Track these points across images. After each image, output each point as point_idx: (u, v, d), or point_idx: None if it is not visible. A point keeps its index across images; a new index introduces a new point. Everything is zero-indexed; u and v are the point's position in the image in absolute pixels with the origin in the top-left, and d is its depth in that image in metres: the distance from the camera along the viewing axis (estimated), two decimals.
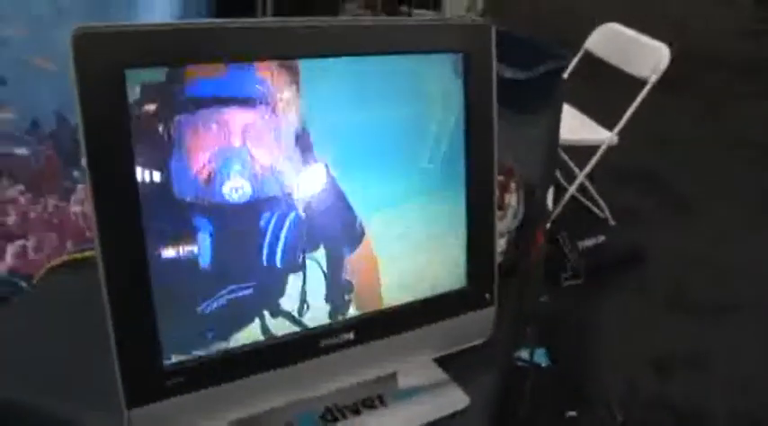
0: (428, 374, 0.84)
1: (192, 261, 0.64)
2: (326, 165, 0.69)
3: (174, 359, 0.64)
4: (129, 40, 0.59)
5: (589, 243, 2.49)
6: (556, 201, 2.68)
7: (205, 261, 0.64)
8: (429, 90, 0.75)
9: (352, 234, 0.72)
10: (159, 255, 0.62)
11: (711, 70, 4.54)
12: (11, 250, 1.17)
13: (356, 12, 4.47)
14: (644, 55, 2.46)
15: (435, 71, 0.75)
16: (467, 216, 0.80)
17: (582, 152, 2.67)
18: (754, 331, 2.22)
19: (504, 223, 1.05)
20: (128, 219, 0.60)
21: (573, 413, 1.87)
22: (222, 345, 0.67)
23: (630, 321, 2.26)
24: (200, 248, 0.64)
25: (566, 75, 2.71)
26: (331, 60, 0.69)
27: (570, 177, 2.75)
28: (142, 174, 0.60)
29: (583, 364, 2.06)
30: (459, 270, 0.81)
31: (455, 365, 0.85)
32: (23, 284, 1.06)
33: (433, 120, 0.76)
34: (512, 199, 1.10)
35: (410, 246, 0.77)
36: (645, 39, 2.50)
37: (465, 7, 5.52)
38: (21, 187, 1.16)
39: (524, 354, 1.94)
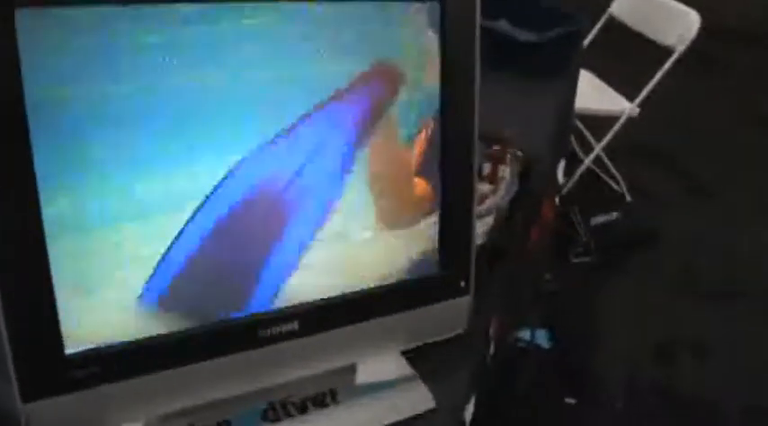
0: (391, 368, 0.74)
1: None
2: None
3: (79, 346, 0.55)
4: None
5: (601, 219, 2.38)
6: (570, 173, 2.56)
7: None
8: (400, 42, 0.64)
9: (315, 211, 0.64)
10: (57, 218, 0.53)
11: (747, 47, 4.29)
12: None
13: None
14: (671, 21, 2.29)
15: (409, 20, 0.64)
16: (441, 194, 0.70)
17: (601, 124, 2.53)
18: (759, 319, 2.15)
19: (495, 198, 0.95)
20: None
21: (572, 401, 1.79)
22: (139, 330, 0.58)
23: (636, 304, 2.18)
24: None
25: (586, 43, 2.56)
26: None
27: (587, 149, 2.61)
28: None
29: (585, 346, 1.97)
30: (432, 254, 0.71)
31: (425, 359, 0.75)
32: None
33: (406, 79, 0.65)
34: (506, 171, 0.99)
35: (373, 228, 0.67)
36: (673, 3, 2.33)
37: None
38: None
39: (525, 334, 1.85)
